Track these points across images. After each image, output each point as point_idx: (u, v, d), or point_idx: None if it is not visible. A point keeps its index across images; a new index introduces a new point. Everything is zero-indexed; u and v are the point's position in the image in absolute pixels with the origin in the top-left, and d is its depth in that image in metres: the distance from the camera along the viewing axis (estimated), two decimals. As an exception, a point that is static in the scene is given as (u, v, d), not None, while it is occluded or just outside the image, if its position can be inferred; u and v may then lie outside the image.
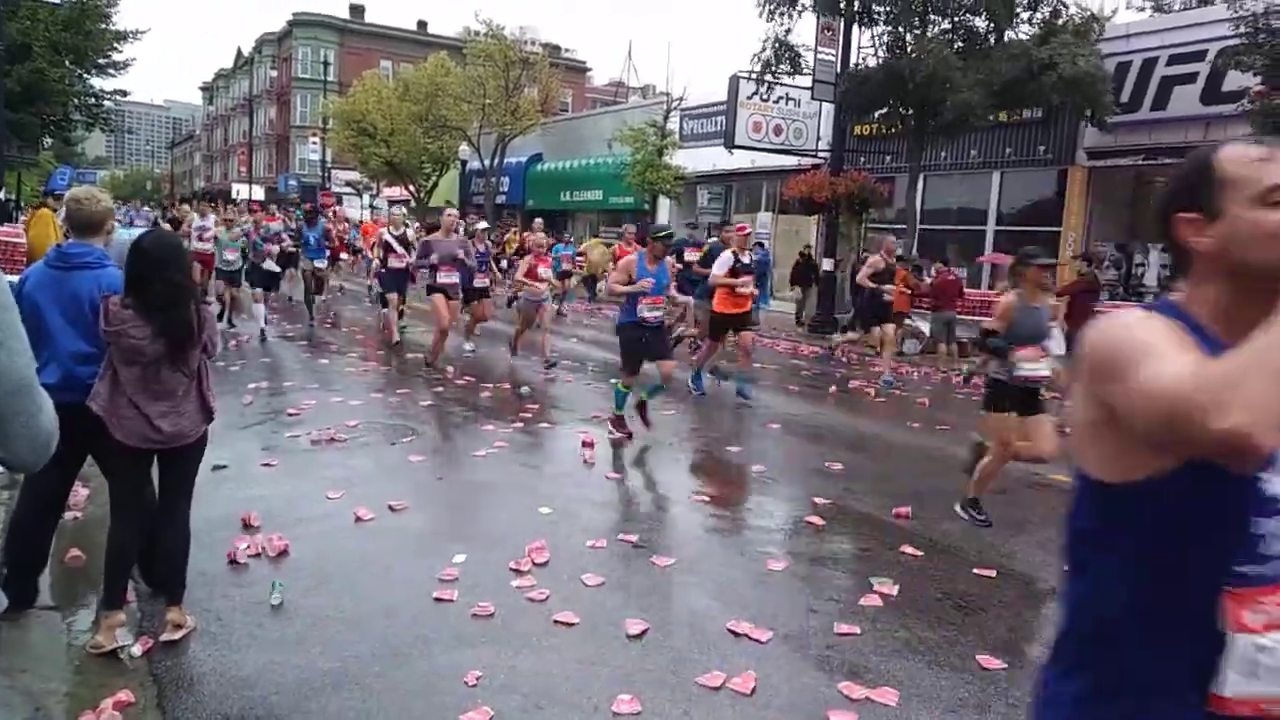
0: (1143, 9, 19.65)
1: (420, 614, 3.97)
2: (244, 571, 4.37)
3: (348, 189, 43.56)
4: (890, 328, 11.77)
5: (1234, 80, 12.36)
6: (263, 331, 12.09)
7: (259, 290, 12.57)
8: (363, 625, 3.83)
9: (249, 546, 4.56)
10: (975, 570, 4.84)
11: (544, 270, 11.11)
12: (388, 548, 4.78)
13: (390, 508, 5.35)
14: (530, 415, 8.21)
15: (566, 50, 54.82)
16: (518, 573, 4.44)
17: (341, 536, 4.90)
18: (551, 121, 32.30)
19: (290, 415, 7.79)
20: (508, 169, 31.59)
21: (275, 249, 13.16)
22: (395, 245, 12.54)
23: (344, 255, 20.14)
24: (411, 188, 34.88)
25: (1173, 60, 14.53)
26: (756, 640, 3.85)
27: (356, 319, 15.43)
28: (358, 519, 5.14)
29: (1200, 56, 13.89)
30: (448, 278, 10.20)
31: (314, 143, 45.72)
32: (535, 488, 6.06)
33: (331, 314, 15.43)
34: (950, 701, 3.43)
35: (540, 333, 11.03)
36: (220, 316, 12.23)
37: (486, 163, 30.83)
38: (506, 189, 31.86)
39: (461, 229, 12.23)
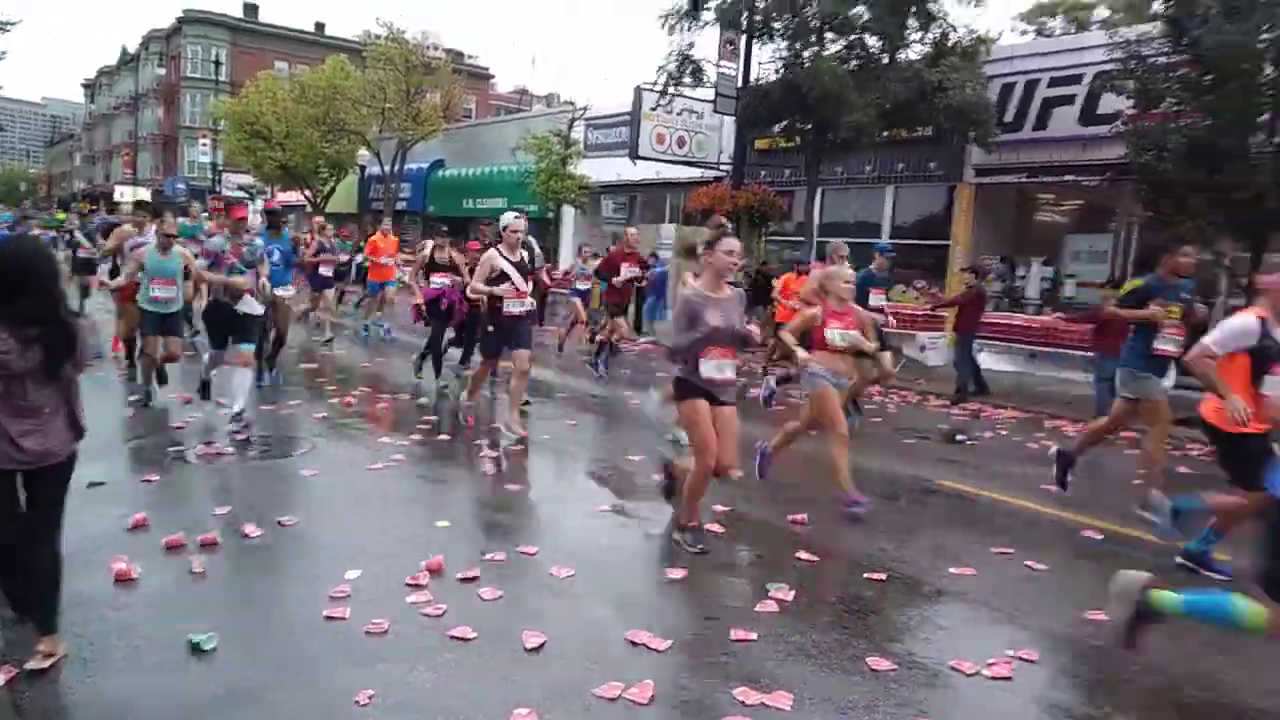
0: (1025, 32, 20.61)
1: (310, 633, 3.85)
2: (121, 593, 4.16)
3: (240, 193, 42.01)
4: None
5: (1109, 103, 13.08)
6: (240, 415, 7.50)
7: (242, 349, 7.68)
8: (248, 646, 3.69)
9: (128, 566, 4.33)
10: (866, 575, 4.97)
11: (838, 332, 6.33)
12: (276, 565, 4.63)
13: (280, 523, 5.18)
14: (429, 427, 8.07)
15: (469, 57, 54.28)
16: (413, 588, 4.36)
17: (227, 554, 4.71)
18: (454, 128, 31.92)
19: (175, 429, 7.47)
20: (408, 175, 31.07)
21: (263, 282, 7.96)
22: (515, 276, 7.80)
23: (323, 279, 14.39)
24: (308, 193, 33.94)
25: (1053, 82, 15.29)
26: (655, 649, 3.86)
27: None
28: (245, 536, 4.96)
29: (1078, 79, 14.66)
30: (722, 369, 5.17)
31: (204, 144, 44.10)
32: (433, 500, 5.96)
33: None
34: (841, 703, 3.51)
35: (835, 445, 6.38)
36: (142, 382, 8.49)
37: (386, 168, 30.25)
38: (407, 195, 31.33)
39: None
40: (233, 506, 5.43)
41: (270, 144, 31.86)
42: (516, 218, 8.12)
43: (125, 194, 49.00)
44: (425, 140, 29.88)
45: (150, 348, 8.32)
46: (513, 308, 7.84)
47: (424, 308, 10.16)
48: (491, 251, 7.99)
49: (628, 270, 12.15)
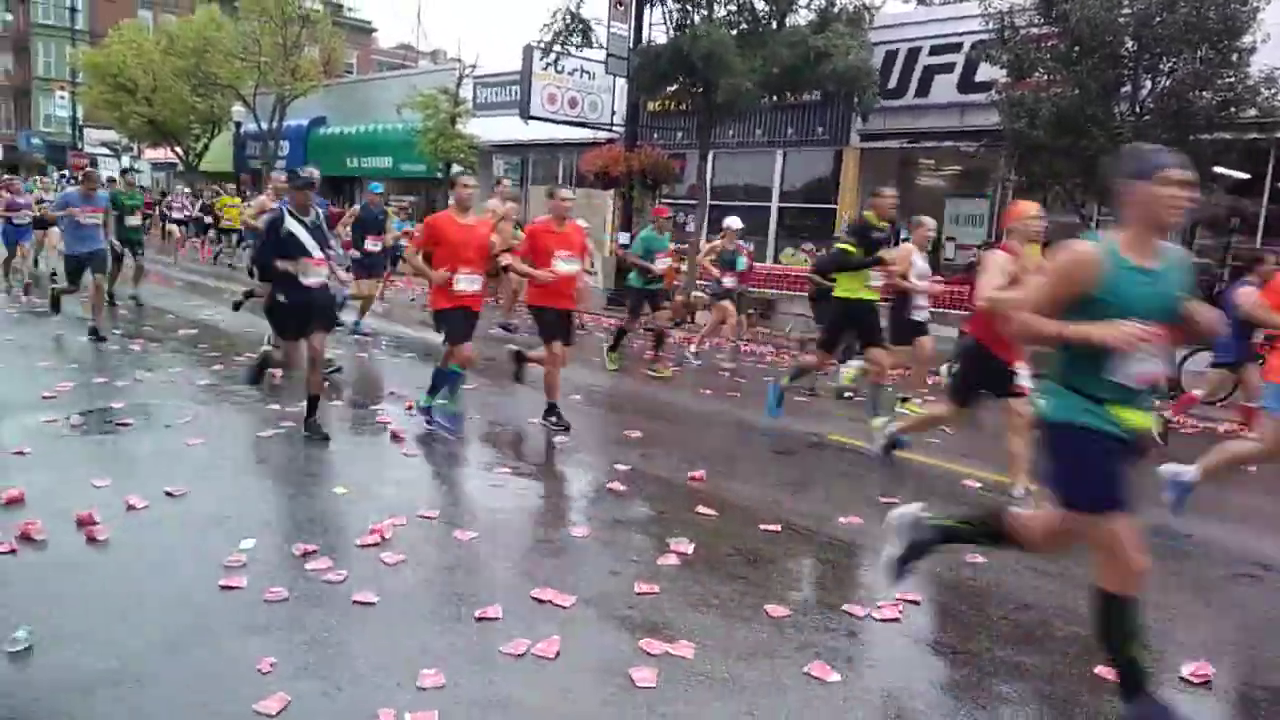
0: (907, 0, 21.13)
1: (205, 603, 3.75)
2: (-4, 571, 3.95)
3: (104, 150, 39.63)
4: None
5: (985, 72, 13.59)
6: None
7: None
8: (139, 619, 3.57)
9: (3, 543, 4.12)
10: (762, 526, 5.14)
11: None
12: (165, 536, 4.47)
13: (168, 494, 5.00)
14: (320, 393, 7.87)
15: (350, 9, 52.13)
16: (312, 555, 4.29)
17: (112, 526, 4.52)
18: (335, 84, 30.74)
19: (46, 398, 7.07)
20: (287, 132, 29.78)
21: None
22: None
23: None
24: (178, 150, 32.19)
25: (934, 50, 15.75)
26: (560, 605, 3.92)
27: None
28: (130, 507, 4.76)
29: (957, 48, 15.15)
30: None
31: (62, 97, 41.25)
32: (328, 467, 5.84)
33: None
34: (742, 650, 3.64)
35: None
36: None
37: (264, 125, 28.95)
38: (286, 153, 30.08)
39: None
40: (114, 478, 5.20)
41: (136, 98, 30.00)
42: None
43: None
44: (304, 96, 28.69)
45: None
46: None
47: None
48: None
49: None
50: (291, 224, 6.21)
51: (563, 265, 7.00)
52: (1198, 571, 4.97)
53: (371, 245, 11.15)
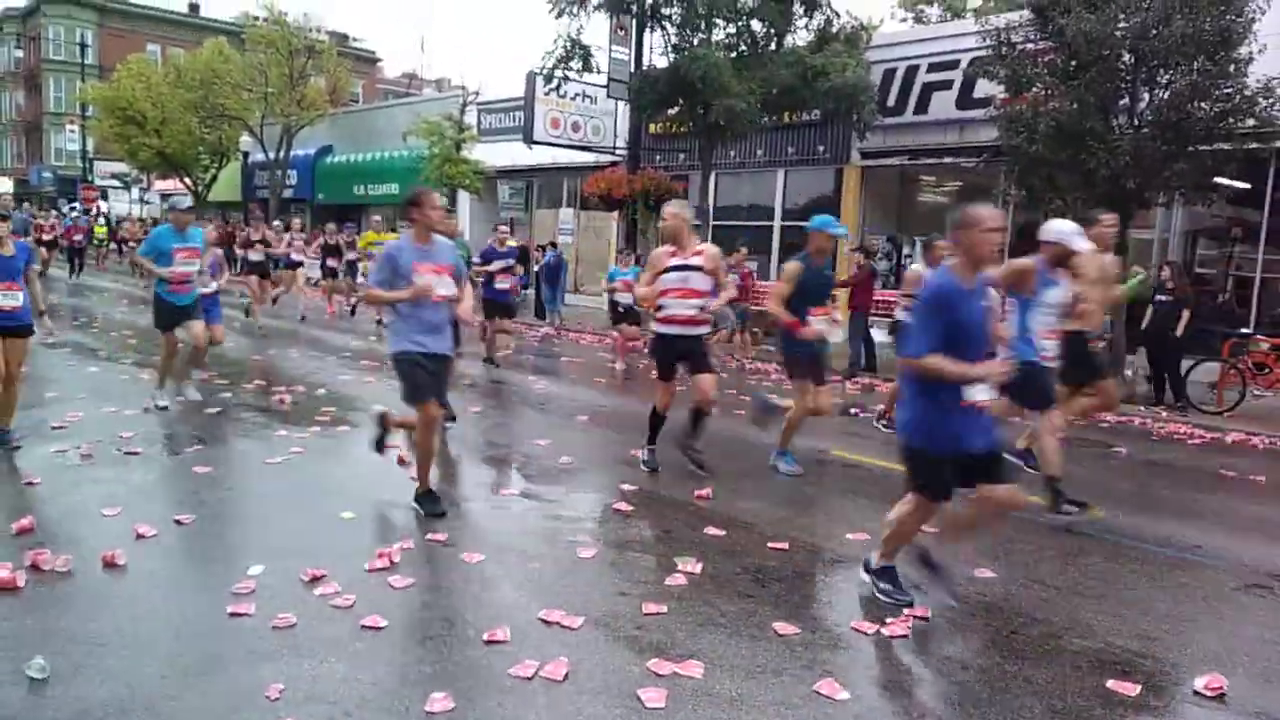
0: (905, 20, 21.24)
1: (214, 631, 3.76)
2: (4, 601, 3.97)
3: (114, 182, 40.06)
4: None
5: (983, 88, 13.65)
6: None
7: None
8: (149, 648, 3.59)
9: (12, 574, 4.14)
10: (770, 545, 5.13)
11: None
12: (174, 565, 4.49)
13: (177, 522, 5.02)
14: (328, 418, 7.91)
15: (355, 40, 52.72)
16: (320, 580, 4.30)
17: (122, 555, 4.54)
18: (341, 113, 31.06)
19: (55, 429, 7.11)
20: (295, 161, 30.09)
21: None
22: None
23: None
24: (187, 181, 32.49)
25: (932, 68, 15.86)
26: (568, 627, 3.92)
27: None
28: (139, 536, 4.78)
29: (954, 65, 15.25)
30: None
31: (72, 131, 41.75)
32: (336, 492, 5.85)
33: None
34: (750, 669, 3.64)
35: None
36: None
37: (271, 155, 29.22)
38: (294, 182, 30.36)
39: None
40: (124, 507, 5.23)
41: (145, 130, 30.35)
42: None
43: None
44: (311, 126, 28.98)
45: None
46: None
47: None
48: None
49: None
50: None
51: None
52: (1209, 583, 4.94)
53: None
